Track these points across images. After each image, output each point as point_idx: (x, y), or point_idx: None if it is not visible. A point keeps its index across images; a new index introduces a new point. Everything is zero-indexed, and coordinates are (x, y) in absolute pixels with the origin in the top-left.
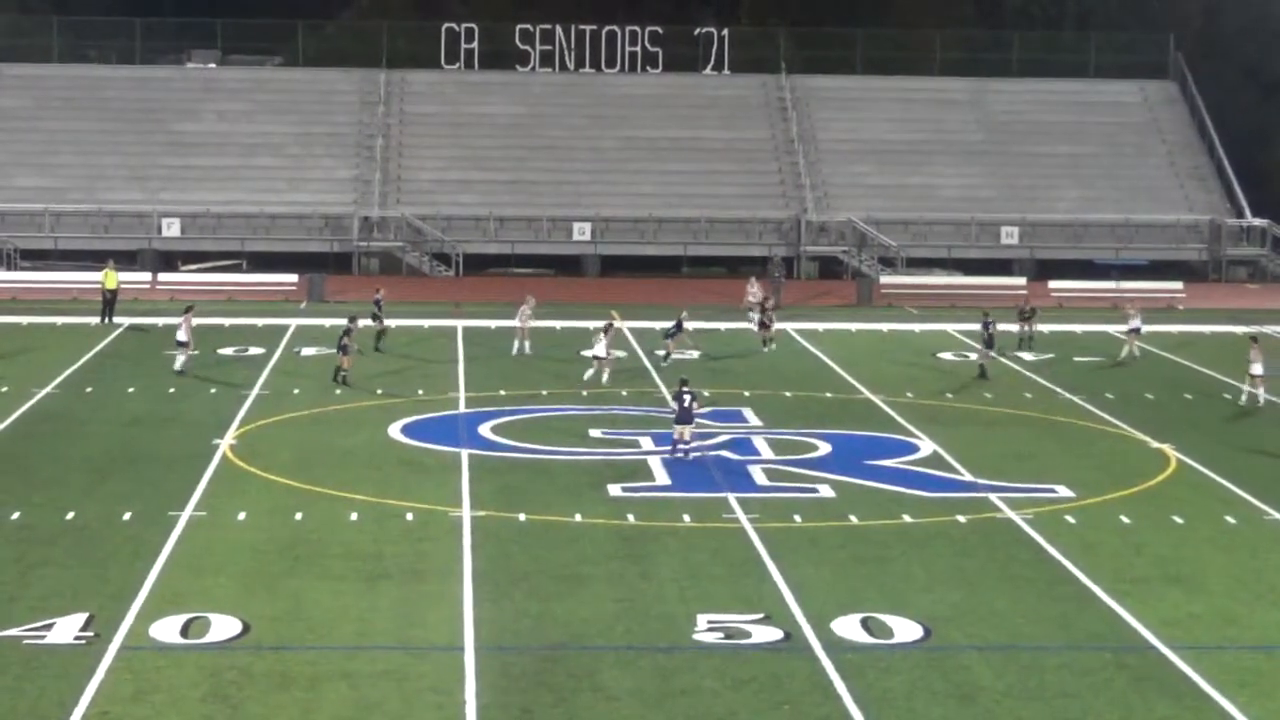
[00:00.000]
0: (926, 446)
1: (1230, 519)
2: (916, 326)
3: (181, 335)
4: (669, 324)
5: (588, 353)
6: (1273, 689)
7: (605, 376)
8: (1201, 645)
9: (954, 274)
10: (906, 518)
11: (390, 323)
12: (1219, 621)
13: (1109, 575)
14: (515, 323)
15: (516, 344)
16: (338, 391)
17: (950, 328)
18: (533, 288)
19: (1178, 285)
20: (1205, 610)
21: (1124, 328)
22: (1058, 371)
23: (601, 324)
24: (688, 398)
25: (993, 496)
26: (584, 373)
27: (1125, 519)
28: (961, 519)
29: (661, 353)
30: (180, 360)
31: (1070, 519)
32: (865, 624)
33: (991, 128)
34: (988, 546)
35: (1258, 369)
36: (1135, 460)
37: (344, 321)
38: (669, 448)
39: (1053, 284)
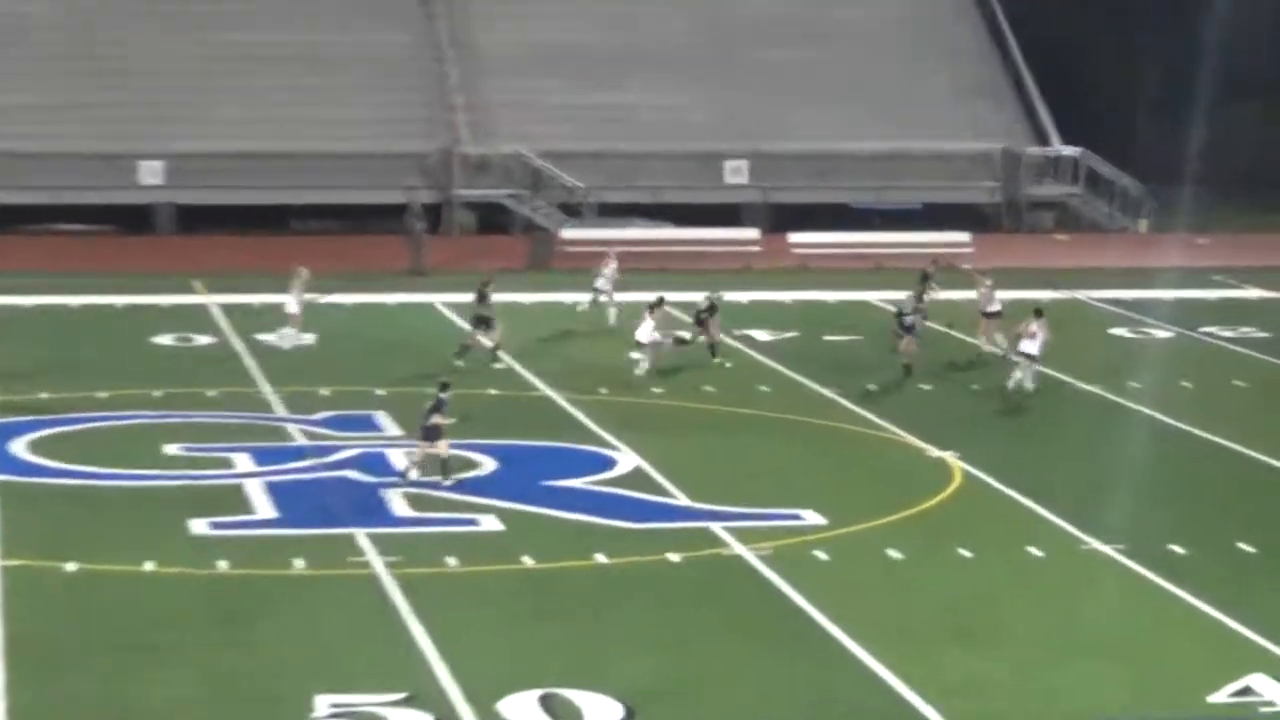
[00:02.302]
0: (627, 460)
1: (1034, 550)
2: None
3: None
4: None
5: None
6: None
7: (647, 364)
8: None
9: (663, 225)
10: (601, 557)
11: None
12: (1021, 688)
13: (874, 630)
14: (601, 285)
15: (613, 313)
16: None
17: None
18: (81, 251)
19: (963, 237)
20: (1003, 674)
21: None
22: (803, 355)
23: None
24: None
25: (716, 526)
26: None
27: (895, 553)
28: (675, 557)
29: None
30: None
31: (822, 555)
32: (546, 703)
33: (708, 28)
34: (711, 594)
35: (1031, 347)
36: (907, 473)
37: None
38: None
39: (794, 237)
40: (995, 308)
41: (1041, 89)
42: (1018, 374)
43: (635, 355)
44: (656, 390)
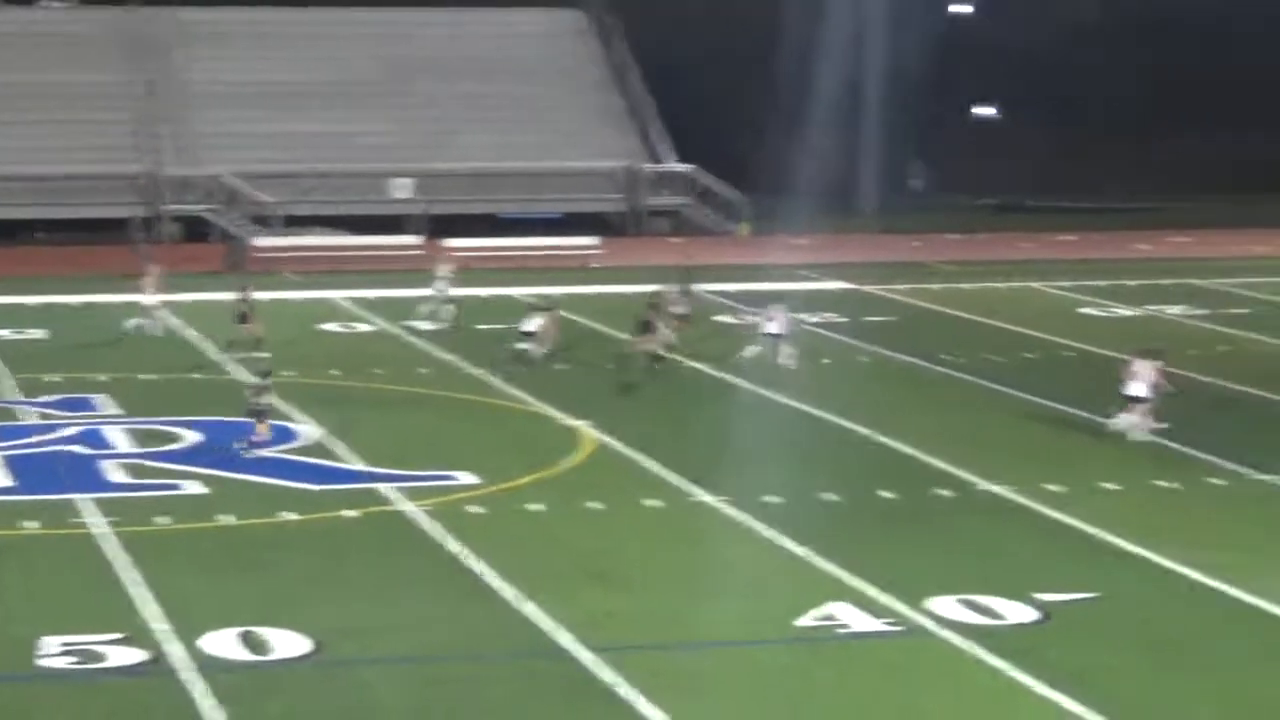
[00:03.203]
0: (309, 432)
1: (655, 503)
2: (297, 294)
3: None
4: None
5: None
6: (702, 690)
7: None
8: (626, 646)
9: (339, 233)
10: (289, 515)
11: None
12: (644, 620)
13: (520, 572)
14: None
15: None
16: None
17: (336, 295)
18: None
19: (592, 241)
20: (629, 608)
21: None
22: (459, 342)
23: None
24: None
25: (384, 487)
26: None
27: (538, 507)
28: (351, 514)
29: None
30: None
31: (474, 509)
32: (244, 639)
33: (380, 66)
34: (381, 544)
35: (774, 328)
36: (547, 440)
37: None
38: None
39: (451, 242)
40: (682, 309)
41: (664, 114)
42: (755, 348)
43: (523, 346)
44: (334, 372)
